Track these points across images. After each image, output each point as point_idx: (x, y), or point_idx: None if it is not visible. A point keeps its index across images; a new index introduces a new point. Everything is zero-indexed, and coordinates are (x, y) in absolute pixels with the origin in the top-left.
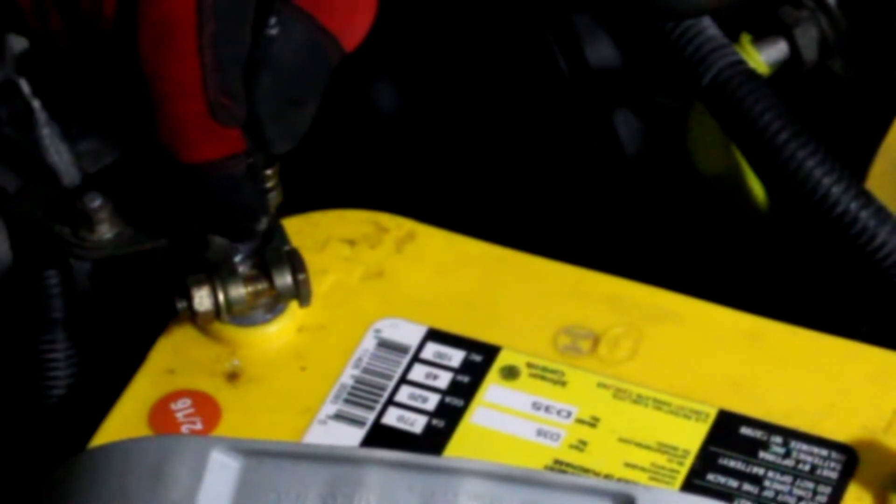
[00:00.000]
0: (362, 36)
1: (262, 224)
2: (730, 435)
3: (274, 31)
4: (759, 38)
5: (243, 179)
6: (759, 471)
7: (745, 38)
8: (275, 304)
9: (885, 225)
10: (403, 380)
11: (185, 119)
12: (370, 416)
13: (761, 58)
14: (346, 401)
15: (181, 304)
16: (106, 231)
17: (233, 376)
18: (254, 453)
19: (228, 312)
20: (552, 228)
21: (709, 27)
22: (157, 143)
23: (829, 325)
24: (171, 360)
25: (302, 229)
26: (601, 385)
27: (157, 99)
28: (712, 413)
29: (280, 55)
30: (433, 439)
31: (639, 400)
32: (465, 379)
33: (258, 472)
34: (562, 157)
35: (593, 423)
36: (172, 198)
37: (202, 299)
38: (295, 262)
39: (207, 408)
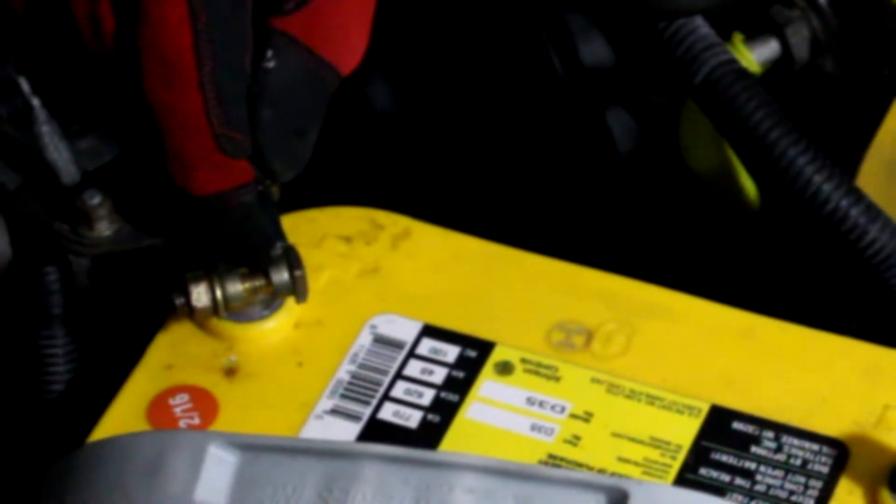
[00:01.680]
0: (358, 60)
1: (278, 250)
2: (722, 430)
3: (271, 64)
4: (751, 37)
5: (255, 207)
6: (751, 465)
7: (737, 37)
8: (272, 301)
9: (875, 222)
10: (399, 375)
11: (193, 153)
12: (366, 411)
13: (753, 56)
14: (343, 396)
15: (179, 301)
16: (105, 228)
17: (230, 372)
18: (251, 448)
19: (226, 308)
20: (546, 225)
21: (701, 26)
22: (168, 176)
23: (819, 321)
24: (169, 356)
25: (298, 226)
26: (594, 380)
27: (165, 133)
28: (704, 408)
29: (279, 87)
30: (428, 434)
31: (632, 395)
32: (460, 374)
33: (255, 467)
34: (556, 155)
35: (587, 418)
36: (171, 196)
37: (200, 295)
38: (292, 259)
39: (205, 403)
